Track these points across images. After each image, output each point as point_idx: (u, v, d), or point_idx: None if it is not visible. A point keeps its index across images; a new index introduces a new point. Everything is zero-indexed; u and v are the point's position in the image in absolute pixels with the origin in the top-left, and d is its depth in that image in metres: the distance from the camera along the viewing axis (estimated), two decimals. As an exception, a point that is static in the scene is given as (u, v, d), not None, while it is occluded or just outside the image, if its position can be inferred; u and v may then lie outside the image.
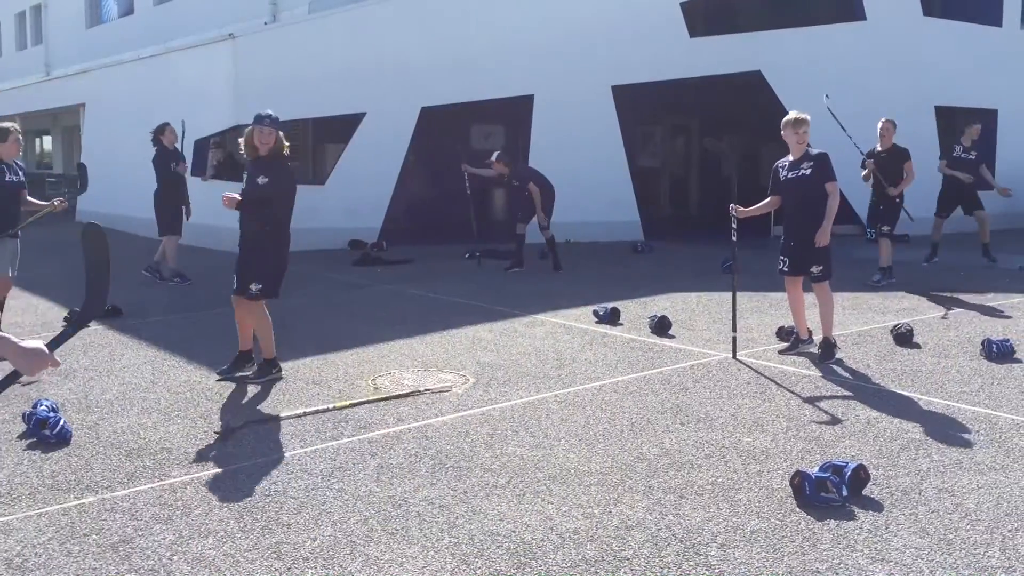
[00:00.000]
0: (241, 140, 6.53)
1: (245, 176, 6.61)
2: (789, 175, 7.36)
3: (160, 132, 11.45)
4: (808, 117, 7.38)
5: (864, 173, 11.04)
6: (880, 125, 10.97)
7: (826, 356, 7.19)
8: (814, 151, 7.30)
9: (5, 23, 32.65)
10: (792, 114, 7.38)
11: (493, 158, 12.44)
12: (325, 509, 4.33)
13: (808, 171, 7.23)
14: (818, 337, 7.43)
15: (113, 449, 5.21)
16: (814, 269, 7.26)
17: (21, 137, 7.49)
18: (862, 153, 10.99)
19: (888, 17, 17.11)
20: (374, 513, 4.29)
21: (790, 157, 7.41)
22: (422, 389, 6.40)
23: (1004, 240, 14.61)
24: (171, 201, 11.49)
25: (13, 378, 2.60)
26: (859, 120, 16.59)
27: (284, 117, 16.03)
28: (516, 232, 12.47)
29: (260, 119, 6.44)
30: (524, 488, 4.58)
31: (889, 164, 10.85)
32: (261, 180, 6.38)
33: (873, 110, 16.80)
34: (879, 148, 10.97)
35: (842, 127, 10.35)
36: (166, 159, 11.43)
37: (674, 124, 19.77)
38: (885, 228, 10.95)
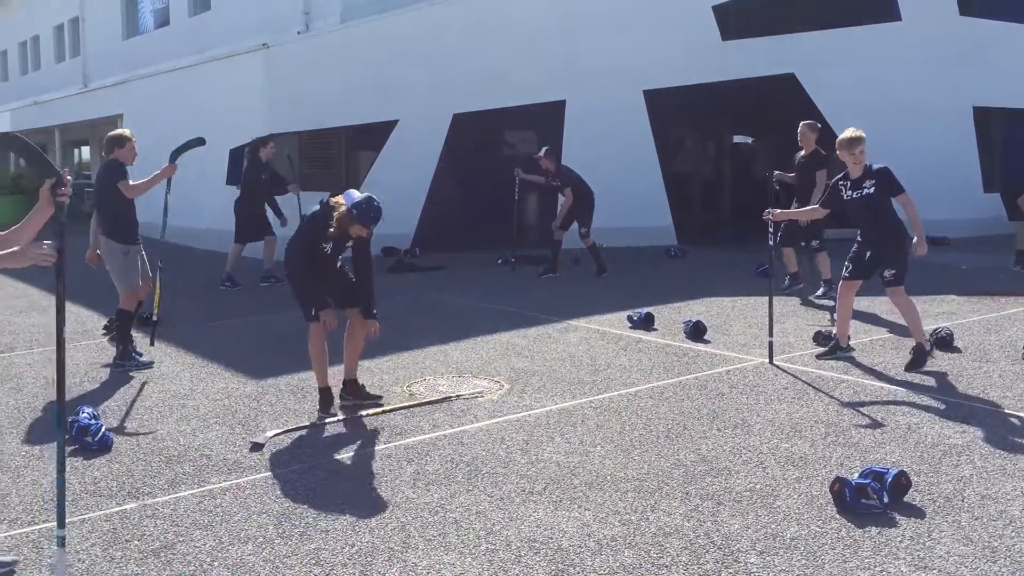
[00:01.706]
0: (335, 217, 5.87)
1: (327, 246, 6.07)
2: (853, 195, 7.13)
3: (262, 144, 11.92)
4: (863, 135, 7.12)
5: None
6: (798, 130, 10.30)
7: (916, 364, 6.90)
8: (875, 166, 7.10)
9: (44, 36, 33.21)
10: (847, 133, 7.12)
11: (541, 153, 12.40)
12: (362, 515, 4.35)
13: (872, 189, 7.06)
14: (907, 341, 7.24)
15: (153, 456, 5.27)
16: (887, 273, 7.02)
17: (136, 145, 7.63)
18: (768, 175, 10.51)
19: (924, 17, 16.90)
20: (411, 519, 4.30)
21: (851, 175, 7.16)
22: (454, 395, 6.41)
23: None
24: (250, 211, 11.80)
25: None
26: (895, 122, 16.46)
27: (317, 126, 16.25)
28: (554, 238, 12.46)
29: (369, 218, 5.85)
30: (561, 495, 4.57)
31: (810, 171, 10.11)
32: (345, 254, 6.20)
33: (909, 112, 16.66)
34: (801, 155, 10.30)
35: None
36: (258, 171, 11.79)
37: (707, 128, 19.67)
38: (815, 243, 10.12)
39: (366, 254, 6.21)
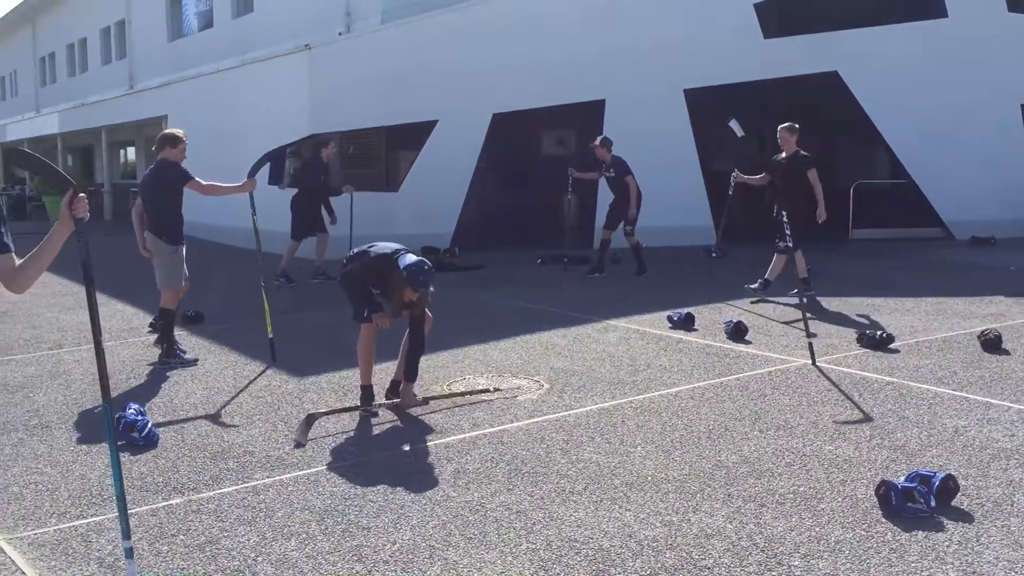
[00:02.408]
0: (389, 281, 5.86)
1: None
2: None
3: (323, 145, 12.25)
4: None
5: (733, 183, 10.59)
6: (778, 133, 10.13)
7: None
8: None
9: (91, 39, 33.82)
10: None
11: (596, 142, 12.37)
12: (404, 513, 4.37)
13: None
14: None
15: (198, 452, 5.34)
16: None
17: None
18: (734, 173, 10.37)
19: (971, 13, 16.62)
20: (452, 518, 4.32)
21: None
22: (492, 388, 6.46)
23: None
24: (308, 210, 12.08)
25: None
26: (941, 120, 16.20)
27: (358, 126, 16.34)
28: (603, 238, 12.43)
29: (417, 282, 5.72)
30: (601, 495, 4.56)
31: (791, 172, 9.93)
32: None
33: (955, 110, 16.39)
34: (782, 156, 10.12)
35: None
36: (318, 171, 12.10)
37: (748, 127, 19.49)
38: (781, 244, 9.89)
39: (420, 324, 6.09)
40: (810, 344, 7.28)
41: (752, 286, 10.09)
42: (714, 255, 14.38)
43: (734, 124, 11.28)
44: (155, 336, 8.09)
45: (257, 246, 8.21)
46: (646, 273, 12.12)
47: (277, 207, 12.57)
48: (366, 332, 6.09)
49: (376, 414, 6.03)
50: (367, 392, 6.16)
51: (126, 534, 3.61)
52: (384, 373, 6.57)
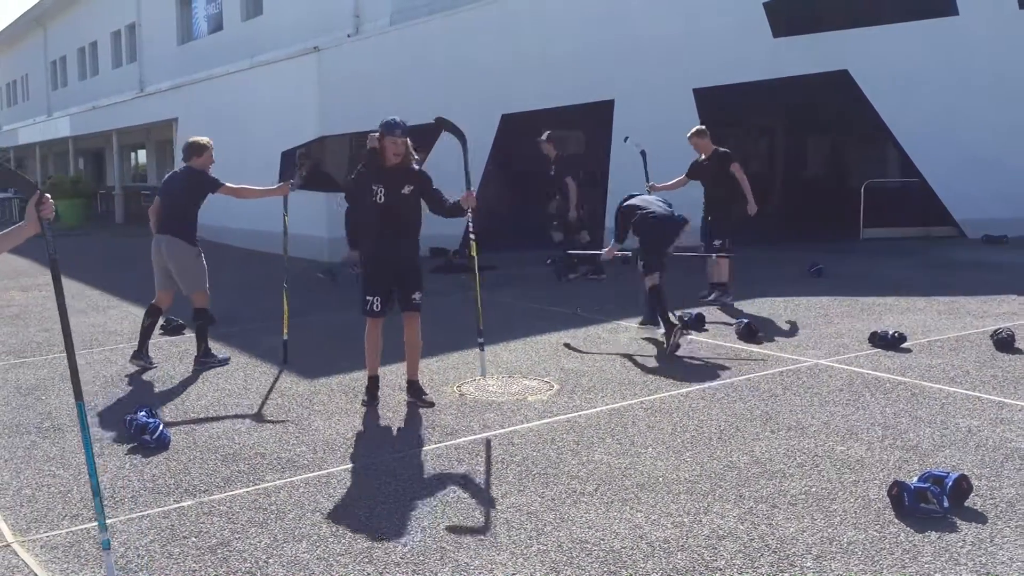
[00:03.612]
0: (366, 151, 6.22)
1: (378, 189, 6.07)
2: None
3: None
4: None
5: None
6: (690, 141, 10.16)
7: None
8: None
9: (102, 42, 33.98)
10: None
11: (544, 136, 12.24)
12: (414, 514, 4.37)
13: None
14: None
15: (209, 454, 5.35)
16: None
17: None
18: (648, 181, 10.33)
19: (982, 11, 16.50)
20: (462, 519, 4.31)
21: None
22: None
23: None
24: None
25: None
26: (952, 118, 16.11)
27: (367, 128, 16.30)
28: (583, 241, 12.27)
29: (392, 128, 6.03)
30: (612, 496, 4.55)
31: (716, 171, 9.96)
32: (407, 190, 6.16)
33: (966, 108, 16.30)
34: (703, 158, 10.14)
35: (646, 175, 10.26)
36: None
37: (758, 126, 19.44)
38: (716, 243, 9.93)
39: (427, 183, 6.28)
40: (675, 328, 7.53)
41: (707, 296, 10.03)
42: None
43: (630, 142, 11.41)
44: (168, 337, 8.11)
45: (284, 248, 8.22)
46: (571, 277, 11.89)
47: (300, 207, 12.57)
48: (372, 325, 6.24)
49: (377, 401, 6.21)
50: (373, 383, 6.32)
51: (103, 527, 3.69)
52: (392, 374, 6.57)
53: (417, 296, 6.26)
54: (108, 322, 9.92)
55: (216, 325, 9.28)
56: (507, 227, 15.16)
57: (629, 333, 8.53)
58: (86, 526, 4.33)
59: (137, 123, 25.11)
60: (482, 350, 6.95)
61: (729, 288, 10.08)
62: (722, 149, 10.10)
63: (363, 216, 6.33)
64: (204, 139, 7.70)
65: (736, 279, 10.36)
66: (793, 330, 8.50)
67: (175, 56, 26.92)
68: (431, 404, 6.22)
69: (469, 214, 6.67)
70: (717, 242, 10.00)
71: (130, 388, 6.99)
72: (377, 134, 6.14)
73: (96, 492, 3.73)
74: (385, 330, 6.33)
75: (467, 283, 11.91)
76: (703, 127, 10.41)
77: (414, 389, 6.40)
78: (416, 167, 6.31)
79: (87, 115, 28.93)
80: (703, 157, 10.18)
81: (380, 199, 6.09)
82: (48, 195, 3.64)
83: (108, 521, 4.35)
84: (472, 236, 7.03)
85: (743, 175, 9.89)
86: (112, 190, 28.34)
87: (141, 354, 7.65)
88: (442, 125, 6.96)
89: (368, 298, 6.18)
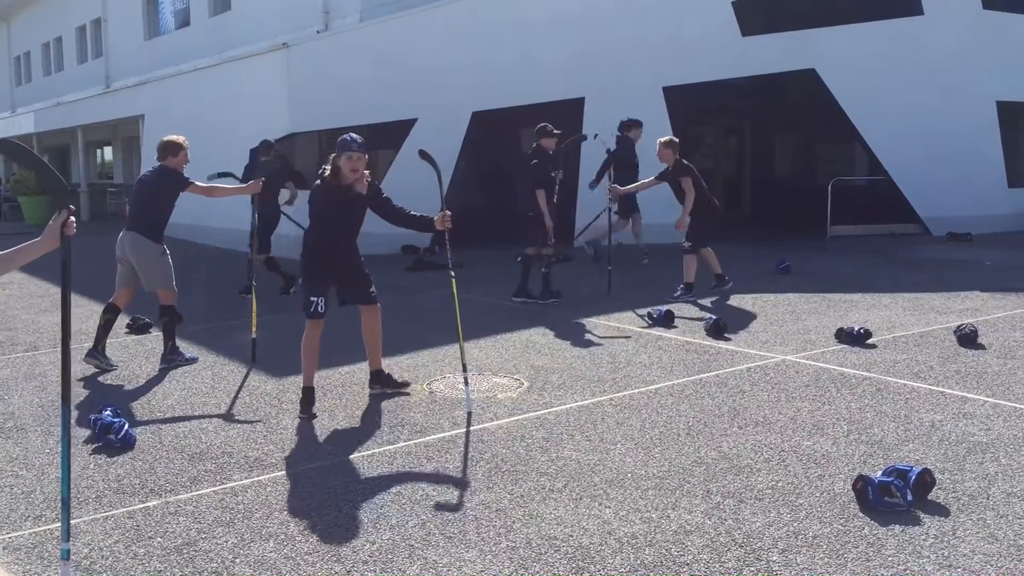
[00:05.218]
0: (326, 168, 6.10)
1: (334, 208, 6.13)
2: None
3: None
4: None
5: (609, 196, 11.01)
6: (657, 152, 10.43)
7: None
8: None
9: (67, 37, 33.50)
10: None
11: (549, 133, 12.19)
12: (383, 513, 4.36)
13: None
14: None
15: (176, 453, 5.30)
16: None
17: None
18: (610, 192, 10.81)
19: (946, 11, 16.74)
20: (431, 517, 4.31)
21: None
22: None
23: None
24: None
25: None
26: (918, 118, 16.32)
27: (336, 124, 16.24)
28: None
29: (347, 146, 6.00)
30: (581, 492, 4.56)
31: (673, 181, 10.35)
32: (361, 207, 6.32)
33: (932, 107, 16.51)
34: (668, 168, 10.41)
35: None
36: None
37: (727, 125, 19.58)
38: (687, 244, 10.26)
39: (386, 202, 6.42)
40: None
41: (676, 295, 10.11)
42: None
43: (597, 139, 11.63)
44: (135, 336, 8.02)
45: (251, 246, 8.15)
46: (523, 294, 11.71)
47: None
48: (314, 328, 6.13)
49: (315, 416, 5.97)
50: (308, 394, 6.08)
51: (66, 536, 3.59)
52: (360, 372, 6.54)
53: (373, 289, 6.38)
54: (74, 321, 9.77)
55: (184, 324, 9.19)
56: (476, 225, 15.15)
57: (599, 330, 8.56)
58: (49, 527, 4.28)
59: (103, 119, 24.79)
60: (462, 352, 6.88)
61: (694, 287, 10.17)
62: (684, 162, 10.31)
63: (317, 224, 6.22)
64: (179, 138, 7.60)
65: (705, 276, 10.42)
66: (761, 327, 8.57)
67: (142, 52, 26.60)
68: (406, 385, 6.24)
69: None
70: (687, 243, 10.32)
71: (95, 387, 6.91)
72: (333, 155, 6.07)
73: (65, 503, 3.60)
74: (343, 329, 6.28)
75: (437, 281, 11.91)
76: (672, 139, 10.56)
77: (382, 378, 6.41)
78: (369, 181, 6.31)
79: (51, 111, 28.51)
80: (668, 167, 10.42)
81: (336, 215, 6.12)
82: (72, 207, 3.50)
83: (72, 522, 4.30)
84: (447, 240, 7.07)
85: (691, 190, 10.17)
86: (77, 187, 27.96)
87: (96, 352, 7.53)
88: (423, 157, 7.01)
89: (312, 299, 6.06)
